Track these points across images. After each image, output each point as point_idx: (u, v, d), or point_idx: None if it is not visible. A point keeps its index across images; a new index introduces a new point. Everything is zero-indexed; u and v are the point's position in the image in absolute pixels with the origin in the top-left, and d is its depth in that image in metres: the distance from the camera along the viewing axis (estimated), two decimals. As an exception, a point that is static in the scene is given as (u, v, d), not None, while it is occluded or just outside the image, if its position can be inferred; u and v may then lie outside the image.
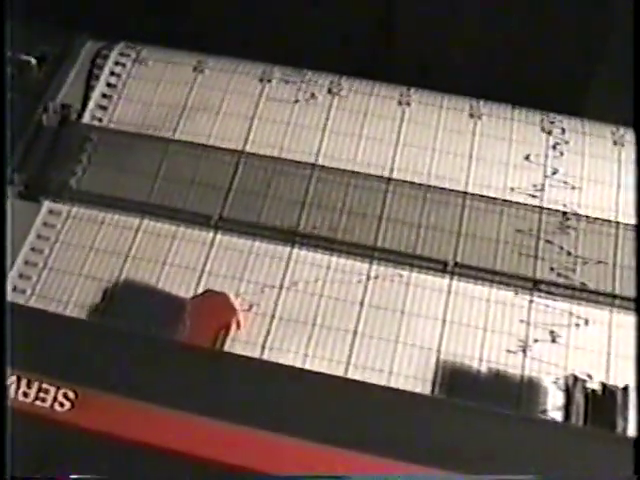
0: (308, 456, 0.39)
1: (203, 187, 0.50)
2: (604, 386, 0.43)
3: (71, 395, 0.40)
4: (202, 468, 0.39)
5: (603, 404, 0.42)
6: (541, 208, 0.49)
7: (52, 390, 0.40)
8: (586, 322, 0.46)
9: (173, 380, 0.41)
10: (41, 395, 0.40)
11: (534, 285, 0.47)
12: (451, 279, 0.47)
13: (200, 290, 0.47)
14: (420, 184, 0.50)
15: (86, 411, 0.40)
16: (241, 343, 0.46)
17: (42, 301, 0.47)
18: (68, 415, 0.40)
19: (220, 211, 0.49)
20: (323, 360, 0.45)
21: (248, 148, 0.51)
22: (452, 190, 0.50)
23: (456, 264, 0.47)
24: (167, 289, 0.47)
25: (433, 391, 0.45)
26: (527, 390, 0.44)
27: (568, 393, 0.43)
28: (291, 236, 0.48)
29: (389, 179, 0.50)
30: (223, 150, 0.51)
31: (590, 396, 0.43)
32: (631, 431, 0.42)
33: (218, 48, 0.56)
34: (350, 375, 0.45)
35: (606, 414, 0.42)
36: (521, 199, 0.49)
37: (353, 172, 0.50)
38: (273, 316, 0.47)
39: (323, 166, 0.50)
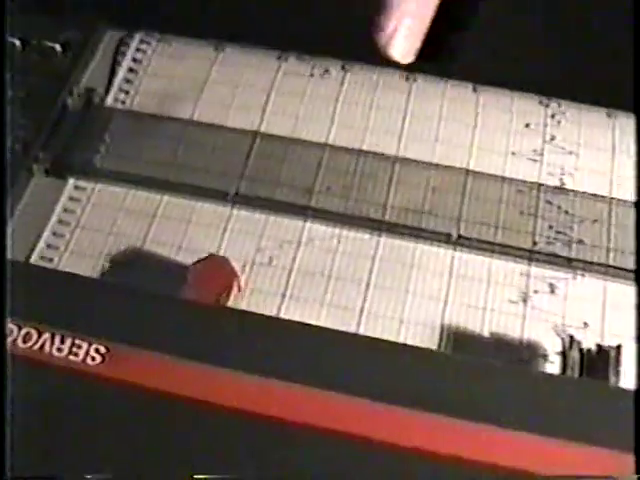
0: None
1: (219, 166, 0.53)
2: (599, 346, 0.47)
3: (102, 349, 0.43)
4: (229, 417, 0.42)
5: (597, 361, 0.46)
6: (539, 185, 0.53)
7: (84, 345, 0.43)
8: (583, 275, 0.49)
9: (197, 335, 0.44)
10: (74, 350, 0.43)
11: (533, 244, 0.50)
12: (454, 252, 0.51)
13: (223, 248, 0.51)
14: (425, 162, 0.53)
15: (116, 364, 0.43)
16: (262, 293, 0.49)
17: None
18: (99, 368, 0.43)
19: (236, 187, 0.52)
20: (338, 308, 0.49)
21: (266, 117, 0.55)
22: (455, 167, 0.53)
23: (460, 237, 0.51)
24: (192, 246, 0.51)
25: (440, 344, 0.48)
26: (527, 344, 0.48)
27: (564, 353, 0.47)
28: (303, 211, 0.52)
29: (395, 158, 0.53)
30: (239, 131, 0.55)
31: (585, 354, 0.46)
32: (623, 384, 0.45)
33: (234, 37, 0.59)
34: (363, 322, 0.48)
35: (600, 370, 0.45)
36: (522, 162, 0.53)
37: (361, 151, 0.54)
38: (292, 269, 0.50)
39: (333, 145, 0.54)
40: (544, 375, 0.46)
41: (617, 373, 0.45)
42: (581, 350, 0.46)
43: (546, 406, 0.42)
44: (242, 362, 0.43)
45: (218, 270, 0.48)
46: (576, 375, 0.45)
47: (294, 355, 0.43)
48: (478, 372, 0.44)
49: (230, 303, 0.48)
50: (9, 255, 0.49)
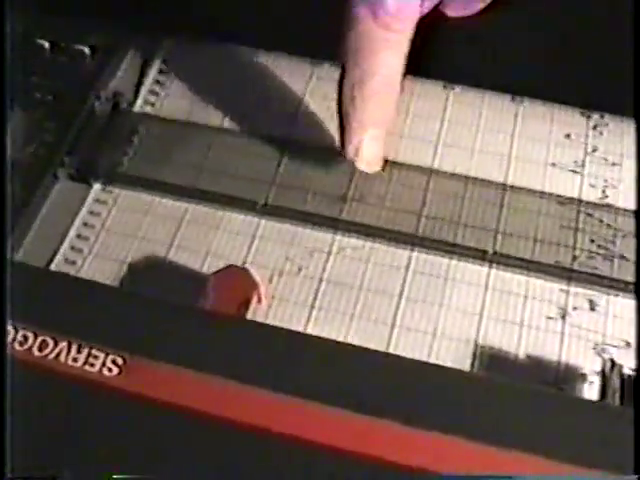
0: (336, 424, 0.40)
1: (248, 174, 0.52)
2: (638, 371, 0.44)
3: (119, 361, 0.42)
4: (246, 434, 0.40)
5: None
6: (580, 201, 0.51)
7: (101, 356, 0.42)
8: (625, 291, 0.47)
9: (215, 348, 0.42)
10: (90, 360, 0.42)
11: (573, 259, 0.48)
12: (490, 267, 0.49)
13: (251, 255, 0.49)
14: (461, 175, 0.51)
15: (133, 376, 0.41)
16: (290, 303, 0.47)
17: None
18: (115, 380, 0.41)
19: (266, 197, 0.51)
20: (369, 321, 0.47)
21: (298, 124, 0.54)
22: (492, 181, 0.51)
23: (495, 253, 0.49)
24: (220, 253, 0.49)
25: (474, 361, 0.46)
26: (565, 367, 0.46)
27: (605, 377, 0.45)
28: (334, 223, 0.50)
29: (431, 171, 0.52)
30: (269, 138, 0.53)
31: (626, 380, 0.44)
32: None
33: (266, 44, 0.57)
34: (394, 335, 0.46)
35: None
36: (562, 174, 0.51)
37: (395, 163, 0.52)
38: (321, 279, 0.48)
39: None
40: (578, 400, 0.44)
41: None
42: (622, 375, 0.44)
43: (580, 434, 0.40)
44: (262, 378, 0.41)
45: (238, 280, 0.47)
46: (617, 401, 0.43)
47: (316, 372, 0.42)
48: (509, 395, 0.42)
49: (250, 314, 0.46)
50: (30, 260, 0.48)
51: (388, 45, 0.47)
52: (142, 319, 0.44)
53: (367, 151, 0.50)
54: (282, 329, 0.45)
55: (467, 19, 0.57)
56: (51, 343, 0.42)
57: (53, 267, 0.49)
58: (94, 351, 0.42)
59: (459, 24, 0.56)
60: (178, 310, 0.44)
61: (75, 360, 0.42)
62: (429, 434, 0.39)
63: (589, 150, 0.52)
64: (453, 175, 0.51)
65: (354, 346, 0.44)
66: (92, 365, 0.42)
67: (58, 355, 0.42)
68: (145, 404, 0.41)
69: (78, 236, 0.50)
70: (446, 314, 0.47)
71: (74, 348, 0.42)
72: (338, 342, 0.45)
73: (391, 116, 0.50)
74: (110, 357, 0.42)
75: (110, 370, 0.41)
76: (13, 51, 0.52)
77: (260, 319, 0.47)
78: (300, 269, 0.49)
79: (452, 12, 0.57)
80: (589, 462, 0.38)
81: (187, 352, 0.42)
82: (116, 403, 0.41)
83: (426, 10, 0.53)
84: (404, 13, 0.47)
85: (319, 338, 0.45)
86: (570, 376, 0.45)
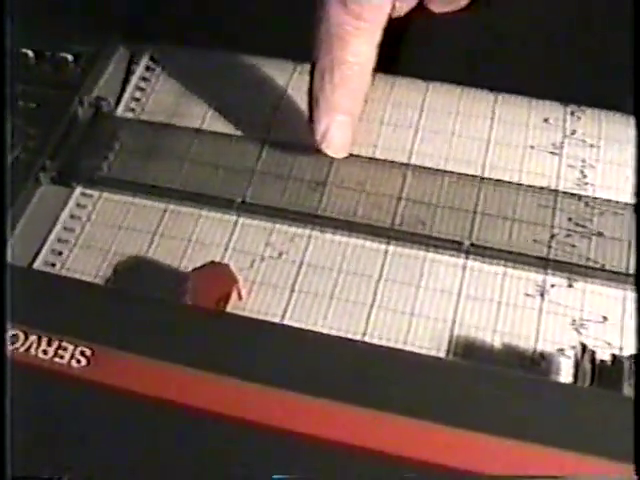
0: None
1: (227, 173, 0.53)
2: (613, 356, 0.43)
3: (88, 352, 0.42)
4: (215, 423, 0.40)
5: (611, 372, 0.43)
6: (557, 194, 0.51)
7: (70, 348, 0.43)
8: (602, 267, 0.48)
9: (184, 339, 0.43)
10: (60, 352, 0.43)
11: (551, 237, 0.49)
12: (466, 258, 0.49)
13: (233, 241, 0.50)
14: (437, 169, 0.52)
15: (101, 367, 0.42)
16: (271, 287, 0.48)
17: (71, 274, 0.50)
18: (84, 371, 0.42)
19: (243, 195, 0.51)
20: (348, 302, 0.47)
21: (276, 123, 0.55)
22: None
23: (472, 244, 0.49)
24: (201, 240, 0.50)
25: (451, 342, 0.46)
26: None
27: (577, 362, 0.44)
28: (311, 218, 0.51)
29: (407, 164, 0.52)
30: (246, 138, 0.54)
31: (598, 365, 0.43)
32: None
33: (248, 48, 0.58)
34: (373, 316, 0.47)
35: (613, 382, 0.43)
36: (541, 155, 0.52)
37: (372, 159, 0.52)
38: (301, 263, 0.49)
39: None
40: (551, 383, 0.44)
41: (631, 385, 0.42)
42: (593, 361, 0.43)
43: (552, 416, 0.40)
44: (231, 367, 0.42)
45: (217, 276, 0.47)
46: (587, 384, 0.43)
47: (290, 362, 0.42)
48: (483, 379, 0.42)
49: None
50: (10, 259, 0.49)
51: (359, 34, 0.48)
52: (111, 311, 0.44)
53: (334, 136, 0.50)
54: (253, 319, 0.46)
55: (452, 14, 0.58)
56: (22, 337, 0.43)
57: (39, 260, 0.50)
58: (63, 343, 0.43)
59: (437, 21, 0.57)
60: (146, 302, 0.45)
61: (45, 353, 0.43)
62: (402, 420, 0.40)
63: (567, 133, 0.52)
64: (430, 169, 0.52)
65: (330, 336, 0.45)
66: (61, 357, 0.42)
67: (29, 348, 0.43)
68: (112, 394, 0.41)
69: (59, 239, 0.51)
70: (424, 294, 0.47)
71: (44, 341, 0.43)
72: (313, 331, 0.45)
73: (360, 105, 0.51)
74: (79, 349, 0.42)
75: (79, 362, 0.42)
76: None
77: (241, 304, 0.48)
78: (281, 254, 0.49)
79: (437, 8, 0.58)
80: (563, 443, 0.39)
81: (154, 343, 0.43)
82: (84, 394, 0.42)
83: (406, 8, 0.54)
84: (375, 2, 0.48)
85: (291, 328, 0.46)
86: (548, 351, 0.45)
